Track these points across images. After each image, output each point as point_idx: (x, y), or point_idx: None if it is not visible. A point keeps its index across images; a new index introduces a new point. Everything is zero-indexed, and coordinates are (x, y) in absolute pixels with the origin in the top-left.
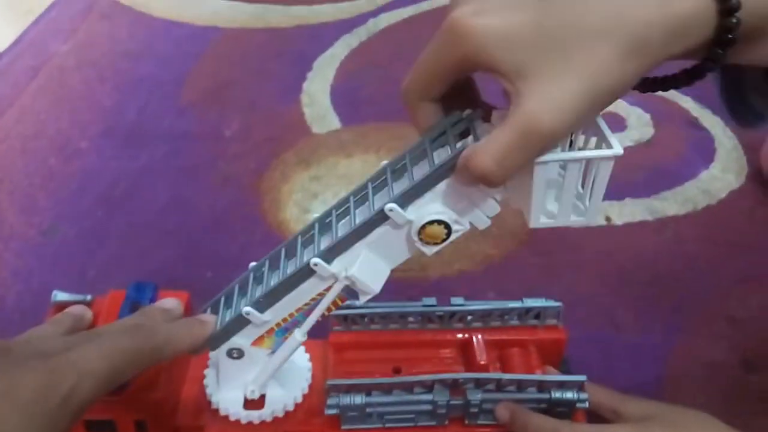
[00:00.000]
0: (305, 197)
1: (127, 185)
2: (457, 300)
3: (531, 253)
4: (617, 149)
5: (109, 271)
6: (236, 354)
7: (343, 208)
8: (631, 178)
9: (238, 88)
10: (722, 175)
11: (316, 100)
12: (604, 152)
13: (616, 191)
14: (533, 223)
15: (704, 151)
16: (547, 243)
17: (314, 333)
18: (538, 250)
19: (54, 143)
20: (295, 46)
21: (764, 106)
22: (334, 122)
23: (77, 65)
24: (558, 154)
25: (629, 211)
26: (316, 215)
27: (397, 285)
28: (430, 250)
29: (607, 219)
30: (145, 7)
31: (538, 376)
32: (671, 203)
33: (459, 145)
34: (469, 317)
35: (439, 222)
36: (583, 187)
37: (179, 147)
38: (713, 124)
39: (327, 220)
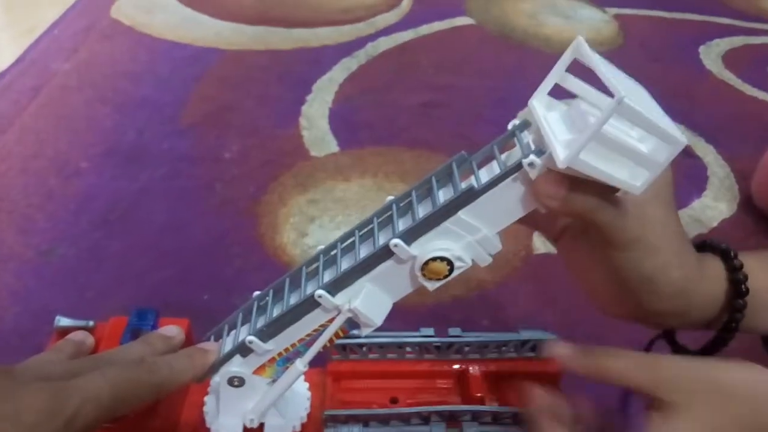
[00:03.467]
0: (302, 221)
1: (125, 206)
2: (454, 330)
3: (524, 279)
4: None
5: (106, 293)
6: (237, 382)
7: (348, 242)
8: None
9: (238, 111)
10: (714, 203)
11: (315, 123)
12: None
13: None
14: (639, 190)
15: (697, 179)
16: (541, 269)
17: (313, 361)
18: (532, 276)
19: (54, 163)
20: (295, 69)
21: None
22: (332, 146)
23: (78, 85)
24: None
25: None
26: (321, 247)
27: (392, 310)
28: (432, 286)
29: None
30: (147, 28)
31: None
32: None
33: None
34: (467, 348)
35: (442, 259)
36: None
37: (178, 169)
38: (706, 152)
39: (332, 253)
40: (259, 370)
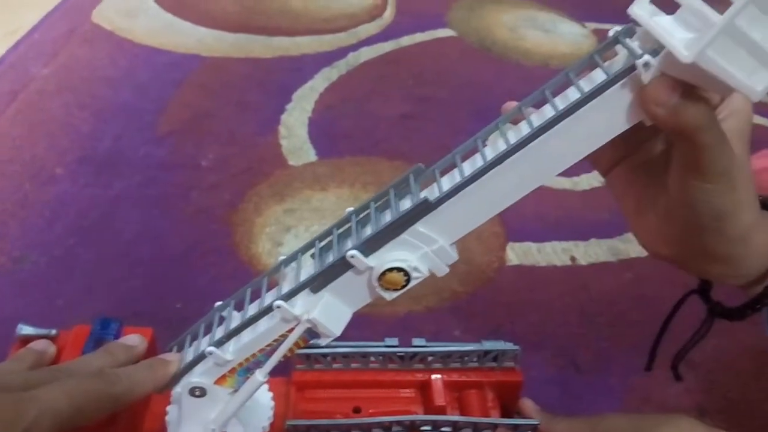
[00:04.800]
0: (278, 231)
1: (99, 214)
2: (418, 341)
3: (497, 291)
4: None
5: (78, 301)
6: (198, 392)
7: (308, 253)
8: (597, 218)
9: (217, 118)
10: None
11: (294, 132)
12: None
13: (581, 231)
14: (759, 95)
15: None
16: (513, 281)
17: (277, 371)
18: (504, 288)
19: (29, 169)
20: (275, 77)
21: None
22: (310, 155)
23: (57, 90)
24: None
25: (593, 252)
26: (282, 257)
27: (365, 320)
28: (390, 296)
29: (572, 259)
30: (128, 33)
31: (492, 419)
32: (634, 245)
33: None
34: (430, 358)
35: (399, 269)
36: None
37: (154, 176)
38: None
39: (292, 263)
40: (220, 381)
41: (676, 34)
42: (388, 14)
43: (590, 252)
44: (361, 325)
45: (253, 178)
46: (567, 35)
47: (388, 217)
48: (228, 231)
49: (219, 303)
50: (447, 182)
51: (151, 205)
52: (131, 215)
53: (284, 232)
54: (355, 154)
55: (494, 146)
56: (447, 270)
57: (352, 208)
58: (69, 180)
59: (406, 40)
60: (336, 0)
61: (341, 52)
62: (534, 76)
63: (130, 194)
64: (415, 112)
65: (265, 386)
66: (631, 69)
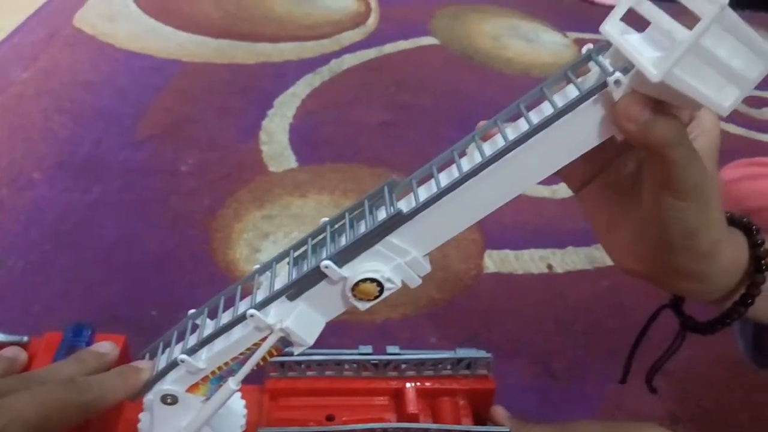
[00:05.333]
0: (256, 236)
1: (77, 219)
2: (392, 348)
3: (474, 298)
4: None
5: (54, 307)
6: (170, 400)
7: (282, 262)
8: (575, 226)
9: (198, 124)
10: None
11: (275, 138)
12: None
13: (558, 239)
14: (726, 111)
15: None
16: (491, 289)
17: (251, 379)
18: (482, 295)
19: (7, 173)
20: (257, 83)
21: None
22: (290, 161)
23: (36, 94)
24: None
25: (570, 260)
26: (257, 266)
27: (343, 327)
28: (363, 306)
29: (549, 267)
30: (110, 37)
31: (464, 427)
32: None
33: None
34: (403, 366)
35: (372, 280)
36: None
37: (133, 181)
38: None
39: (266, 272)
40: (192, 389)
41: (645, 53)
42: (372, 21)
43: (567, 260)
44: (338, 332)
45: (233, 183)
46: (549, 45)
47: (362, 228)
48: (206, 237)
49: (192, 311)
50: (424, 192)
51: (130, 210)
52: (109, 220)
53: (262, 238)
54: (336, 161)
55: (470, 158)
56: (419, 281)
57: (327, 219)
58: (47, 185)
59: (389, 48)
60: (320, 7)
61: (324, 59)
62: (515, 85)
63: (108, 199)
64: (397, 120)
65: (238, 394)
66: (602, 86)
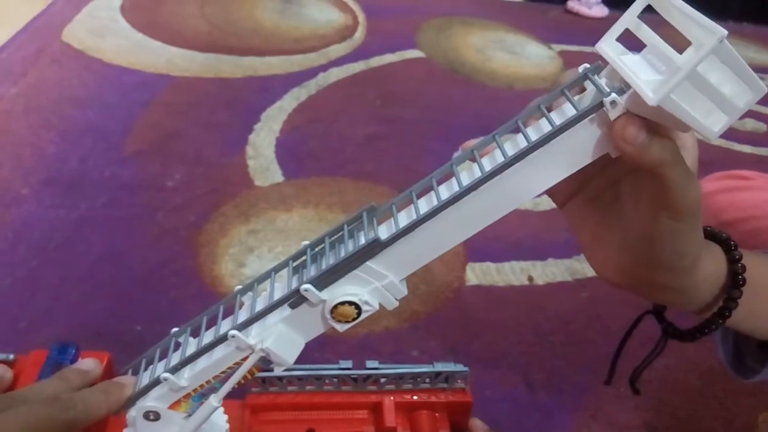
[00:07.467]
0: (241, 251)
1: (63, 235)
2: (372, 363)
3: (456, 311)
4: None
5: (39, 324)
6: (153, 416)
7: (263, 283)
8: (556, 238)
9: (185, 138)
10: None
11: (261, 152)
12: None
13: (540, 251)
14: (715, 136)
15: None
16: (472, 301)
17: (232, 394)
18: (463, 308)
19: None
20: (244, 97)
21: (756, 366)
22: (276, 175)
23: (24, 110)
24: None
25: (551, 272)
26: (239, 287)
27: (326, 341)
28: (342, 327)
29: (530, 278)
30: (98, 52)
31: None
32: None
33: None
34: (383, 380)
35: (350, 303)
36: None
37: (119, 197)
38: None
39: (248, 293)
40: (174, 405)
41: (642, 76)
42: (359, 35)
43: (547, 272)
44: (322, 346)
45: (218, 198)
46: (533, 57)
47: (342, 252)
48: (192, 252)
49: (175, 329)
50: (404, 218)
51: (116, 226)
52: (95, 236)
53: (248, 252)
54: (321, 175)
55: (449, 186)
56: (396, 303)
57: (307, 242)
58: (34, 201)
59: (376, 61)
60: (307, 20)
61: (311, 72)
62: (499, 98)
63: (94, 215)
64: (383, 133)
65: (220, 409)
66: (599, 106)
